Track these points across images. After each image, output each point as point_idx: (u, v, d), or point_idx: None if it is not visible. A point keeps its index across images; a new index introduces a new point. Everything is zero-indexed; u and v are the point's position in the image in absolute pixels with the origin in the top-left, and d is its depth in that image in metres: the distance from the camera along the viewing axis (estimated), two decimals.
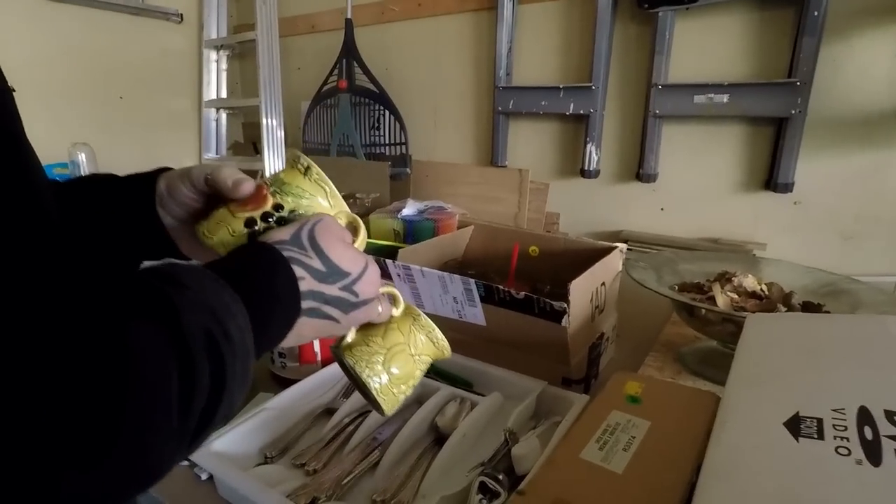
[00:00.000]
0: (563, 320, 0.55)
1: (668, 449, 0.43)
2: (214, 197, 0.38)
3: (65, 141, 1.41)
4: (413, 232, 1.01)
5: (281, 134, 2.06)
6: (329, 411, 0.60)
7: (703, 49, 1.22)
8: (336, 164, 1.79)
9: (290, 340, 0.34)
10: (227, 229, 0.35)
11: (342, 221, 0.38)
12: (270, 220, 0.36)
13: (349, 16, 1.72)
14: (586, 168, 1.42)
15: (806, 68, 1.07)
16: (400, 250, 0.69)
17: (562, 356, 0.59)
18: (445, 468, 0.51)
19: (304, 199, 0.36)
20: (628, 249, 1.55)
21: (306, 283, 0.33)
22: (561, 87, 1.38)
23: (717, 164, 1.27)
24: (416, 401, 0.62)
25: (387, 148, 1.80)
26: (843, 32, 1.06)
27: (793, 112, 1.09)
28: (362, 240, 0.40)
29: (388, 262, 0.66)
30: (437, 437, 0.55)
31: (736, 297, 0.67)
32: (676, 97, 1.23)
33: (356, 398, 0.60)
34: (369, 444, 0.54)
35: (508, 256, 0.82)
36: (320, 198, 0.37)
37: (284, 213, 0.36)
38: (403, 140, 1.76)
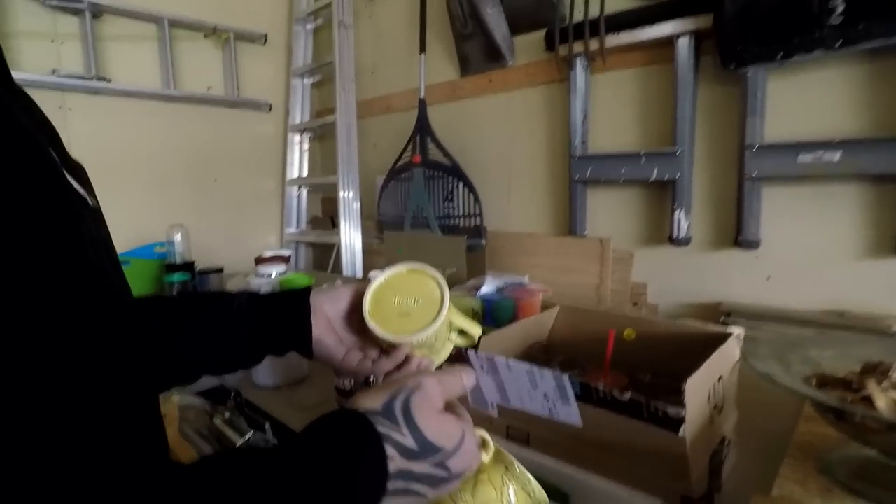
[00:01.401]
0: (681, 430, 0.45)
1: None
2: None
3: (165, 222, 1.52)
4: (493, 311, 0.94)
5: (357, 206, 2.13)
6: None
7: (804, 105, 1.12)
8: (412, 240, 1.79)
9: None
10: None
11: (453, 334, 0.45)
12: None
13: (422, 96, 1.78)
14: (675, 235, 1.31)
15: None
16: (482, 339, 0.63)
17: (679, 471, 0.49)
18: None
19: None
20: (732, 324, 1.39)
21: (395, 464, 0.31)
22: (642, 153, 1.31)
23: (833, 227, 1.12)
24: None
25: (461, 220, 1.79)
26: None
27: None
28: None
29: (471, 352, 0.60)
30: None
31: None
32: (776, 158, 1.12)
33: None
34: None
35: (599, 339, 0.73)
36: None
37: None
38: (478, 211, 1.75)
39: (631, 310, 1.58)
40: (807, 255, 1.18)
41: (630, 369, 0.70)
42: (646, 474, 0.52)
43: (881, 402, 0.53)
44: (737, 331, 0.63)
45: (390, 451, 0.30)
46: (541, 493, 0.36)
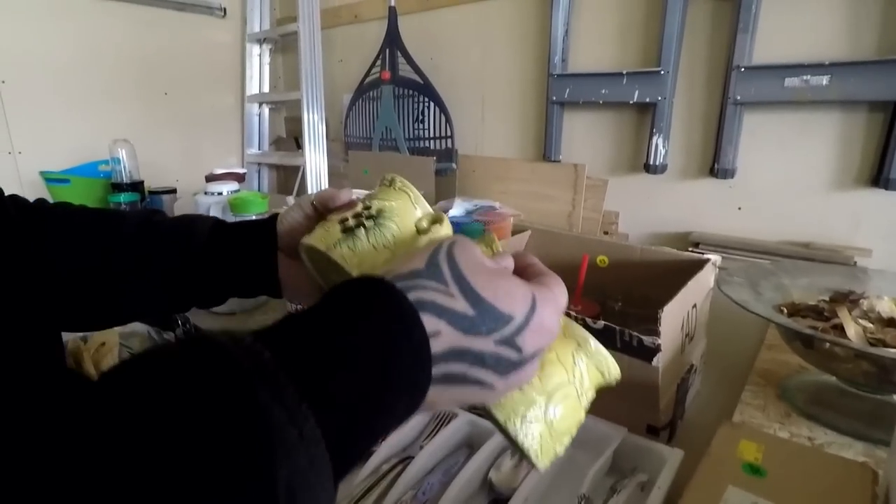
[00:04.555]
0: (655, 359, 0.43)
1: None
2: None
3: (109, 138, 1.39)
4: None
5: (322, 128, 2.00)
6: None
7: (797, 25, 1.06)
8: (378, 159, 1.71)
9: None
10: (322, 229, 0.36)
11: (425, 223, 0.36)
12: (361, 217, 0.36)
13: (392, 3, 1.63)
14: (651, 163, 1.27)
15: None
16: None
17: (648, 400, 0.48)
18: None
19: (390, 202, 0.36)
20: (699, 254, 1.40)
21: (444, 340, 0.22)
22: (624, 72, 1.24)
23: (809, 157, 1.10)
24: (467, 444, 0.52)
25: (431, 142, 1.70)
26: None
27: None
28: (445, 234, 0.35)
29: None
30: (494, 499, 0.45)
31: (869, 325, 0.53)
32: (763, 81, 1.07)
33: (394, 438, 0.50)
34: (411, 503, 0.44)
35: (571, 266, 0.70)
36: (404, 201, 0.37)
37: (372, 211, 0.36)
38: (449, 133, 1.66)
39: (602, 238, 1.57)
40: (779, 186, 1.16)
41: (601, 296, 0.67)
42: (613, 404, 0.51)
43: (851, 329, 0.52)
44: (713, 258, 0.61)
45: (434, 324, 0.21)
46: (616, 370, 0.30)
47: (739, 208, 1.24)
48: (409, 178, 0.38)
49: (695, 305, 0.56)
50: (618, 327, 0.44)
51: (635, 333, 0.43)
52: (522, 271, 0.28)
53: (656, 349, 0.42)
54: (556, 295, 0.26)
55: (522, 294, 0.24)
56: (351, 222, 0.36)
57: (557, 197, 1.61)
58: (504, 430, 0.27)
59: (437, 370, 0.22)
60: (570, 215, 1.58)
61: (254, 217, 0.86)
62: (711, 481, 0.38)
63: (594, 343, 0.29)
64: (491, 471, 0.47)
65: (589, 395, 0.30)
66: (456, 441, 0.51)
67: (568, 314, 0.48)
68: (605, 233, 1.62)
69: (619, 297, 0.67)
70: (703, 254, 1.29)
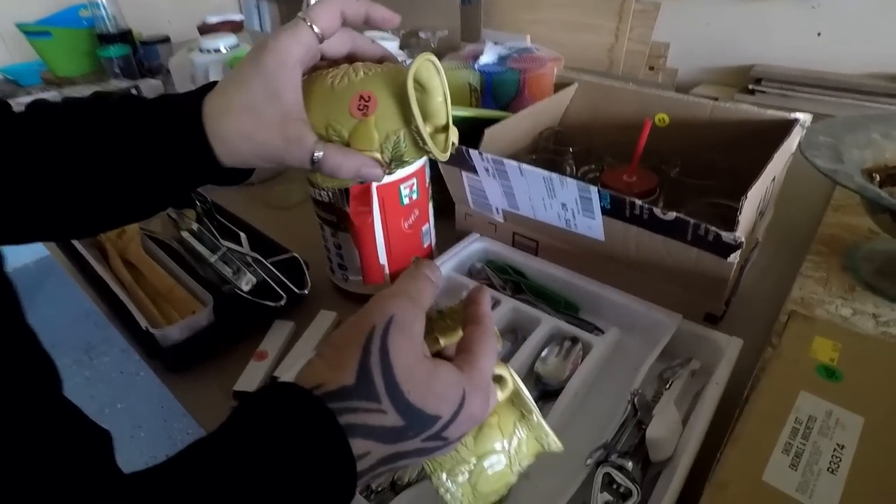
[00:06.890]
0: (732, 256, 0.38)
1: None
2: None
3: None
4: (494, 87, 0.79)
5: None
6: None
7: None
8: None
9: None
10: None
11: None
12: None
13: None
14: None
15: None
16: (486, 132, 0.51)
17: (712, 290, 0.44)
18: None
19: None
20: (761, 92, 1.24)
21: (372, 456, 0.23)
22: None
23: None
24: (510, 329, 0.50)
25: None
26: None
27: None
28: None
29: (473, 153, 0.49)
30: (541, 391, 0.44)
31: None
32: None
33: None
34: None
35: (622, 124, 0.62)
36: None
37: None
38: None
39: (647, 75, 1.39)
40: (874, 4, 0.96)
41: (656, 160, 0.60)
42: (671, 290, 0.47)
43: None
44: (801, 117, 0.51)
45: (363, 446, 0.22)
46: (556, 446, 0.30)
47: (819, 34, 1.05)
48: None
49: (773, 179, 0.48)
50: (692, 220, 0.38)
51: (713, 228, 0.37)
52: (463, 339, 0.28)
53: (737, 246, 0.37)
54: (486, 377, 0.26)
55: (452, 392, 0.24)
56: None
57: (598, 26, 1.39)
58: (429, 478, 0.28)
59: (362, 480, 0.23)
60: (611, 48, 1.38)
61: None
62: (782, 386, 0.35)
63: (537, 417, 0.29)
64: (537, 363, 0.46)
65: (524, 462, 0.30)
66: (500, 328, 0.50)
67: (632, 204, 0.42)
68: (651, 68, 1.43)
69: (677, 162, 0.59)
70: (764, 92, 1.15)
